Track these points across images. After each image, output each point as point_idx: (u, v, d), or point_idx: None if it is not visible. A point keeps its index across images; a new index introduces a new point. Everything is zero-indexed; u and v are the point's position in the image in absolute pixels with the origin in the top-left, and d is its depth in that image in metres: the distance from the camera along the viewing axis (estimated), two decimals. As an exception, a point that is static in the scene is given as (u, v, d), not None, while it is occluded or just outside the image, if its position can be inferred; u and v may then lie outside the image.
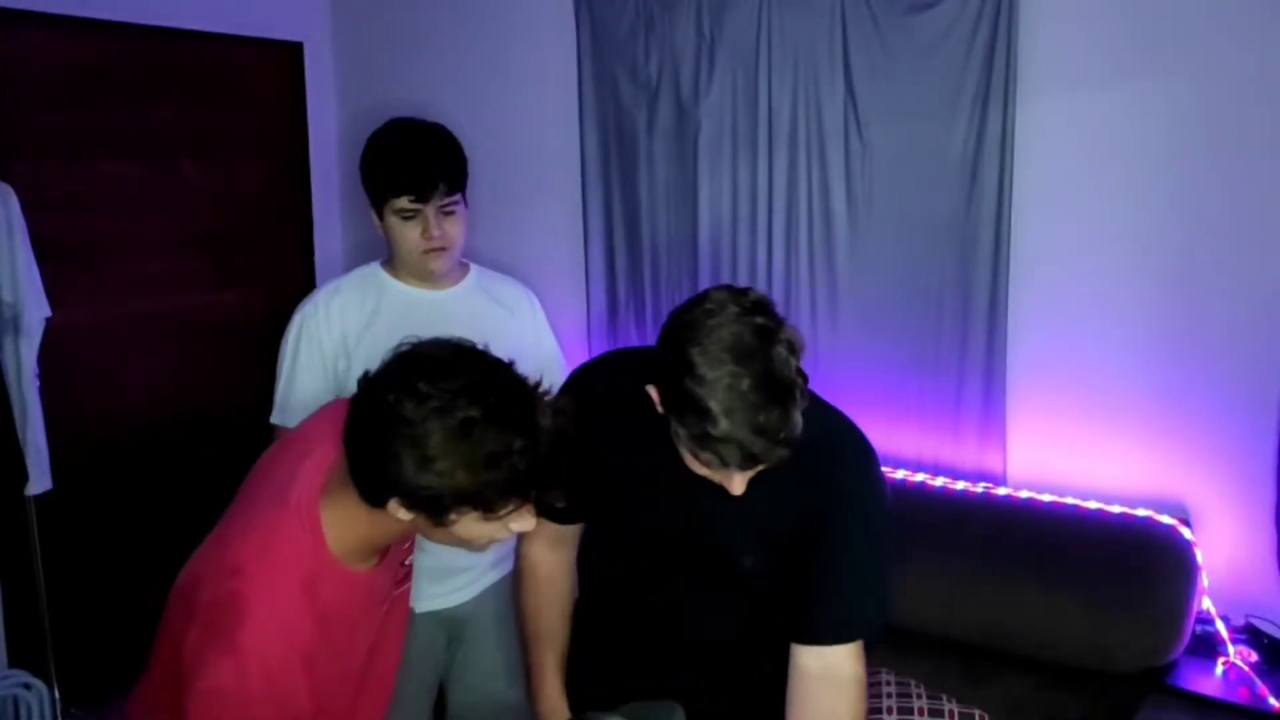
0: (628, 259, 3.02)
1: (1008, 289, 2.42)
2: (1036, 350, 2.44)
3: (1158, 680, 2.04)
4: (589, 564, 1.67)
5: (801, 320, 2.70)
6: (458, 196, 1.98)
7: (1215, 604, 2.17)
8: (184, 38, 3.28)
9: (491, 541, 1.30)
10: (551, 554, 1.65)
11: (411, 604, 1.65)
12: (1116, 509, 2.25)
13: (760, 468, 1.23)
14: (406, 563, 1.50)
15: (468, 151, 3.53)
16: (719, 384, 1.17)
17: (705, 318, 1.21)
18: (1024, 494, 2.36)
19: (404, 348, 1.26)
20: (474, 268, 2.16)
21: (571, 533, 1.64)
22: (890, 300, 2.58)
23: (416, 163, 1.92)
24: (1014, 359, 2.45)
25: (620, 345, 3.06)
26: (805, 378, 1.23)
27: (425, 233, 1.94)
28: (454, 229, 1.98)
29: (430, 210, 1.93)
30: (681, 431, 1.22)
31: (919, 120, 2.47)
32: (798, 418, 1.20)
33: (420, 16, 3.46)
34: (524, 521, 1.27)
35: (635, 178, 2.94)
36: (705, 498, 1.34)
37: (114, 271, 3.23)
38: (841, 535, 1.38)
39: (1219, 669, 2.08)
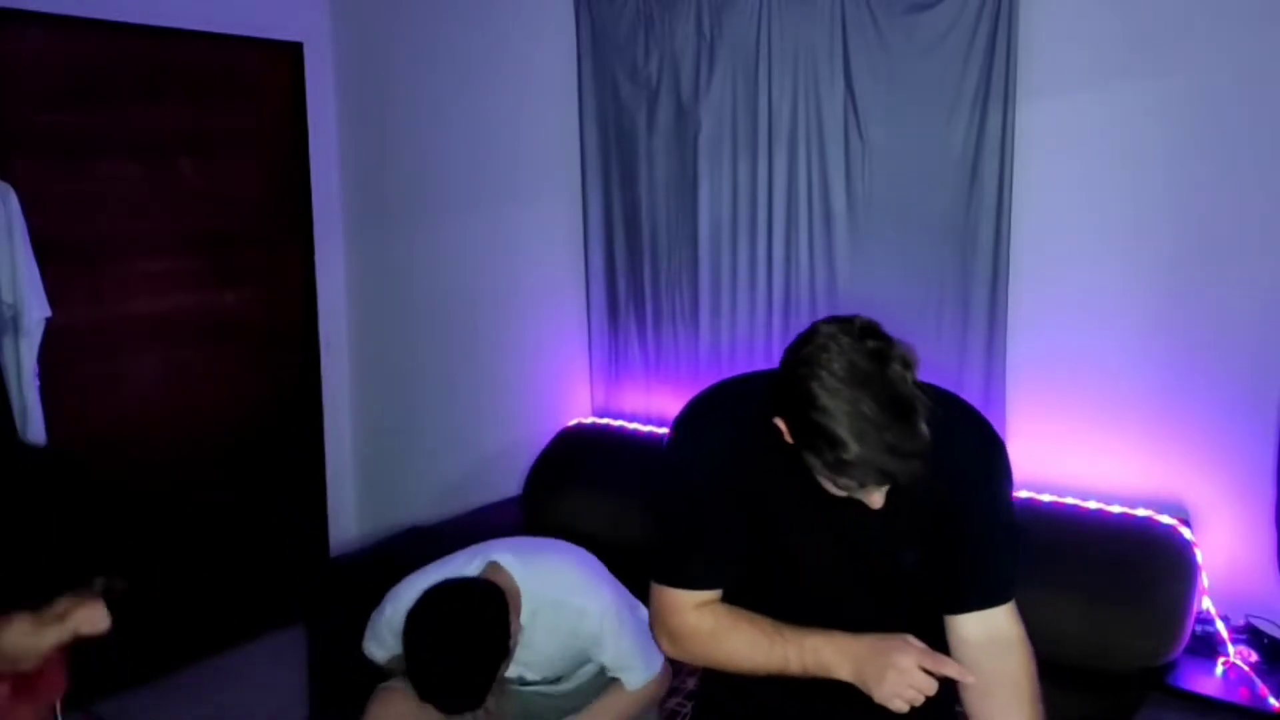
0: (627, 258, 3.02)
1: (1008, 289, 2.42)
2: (1036, 350, 2.44)
3: (1157, 680, 2.04)
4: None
5: (801, 319, 2.70)
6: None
7: (1215, 604, 2.17)
8: (184, 38, 3.29)
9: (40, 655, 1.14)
10: (703, 611, 1.50)
11: None
12: (1116, 509, 2.25)
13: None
14: None
15: (468, 153, 3.55)
16: (842, 411, 1.22)
17: (820, 352, 1.26)
18: (1024, 494, 2.35)
19: None
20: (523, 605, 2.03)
21: (716, 594, 1.52)
22: (890, 299, 2.57)
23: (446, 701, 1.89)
24: (1014, 359, 2.45)
25: (620, 344, 3.06)
26: (923, 388, 1.28)
27: None
28: None
29: None
30: (816, 461, 1.27)
31: (919, 120, 2.47)
32: (924, 430, 1.25)
33: (420, 16, 3.46)
34: (92, 618, 1.13)
35: (635, 177, 2.94)
36: (849, 510, 1.37)
37: (114, 271, 3.23)
38: (982, 505, 1.44)
39: (1219, 669, 2.08)
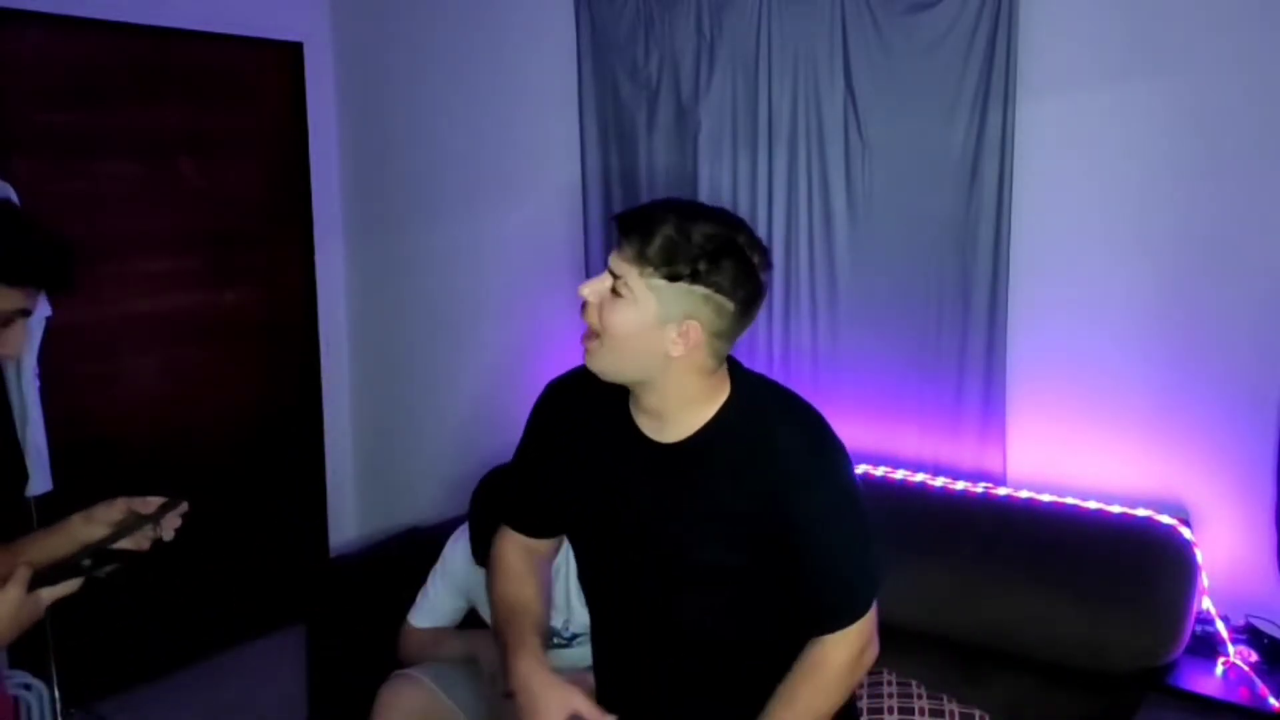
0: (628, 259, 3.01)
1: (1008, 289, 2.42)
2: (1036, 350, 2.44)
3: (1157, 680, 2.03)
4: (585, 583, 1.65)
5: (801, 320, 2.69)
6: None
7: (1215, 604, 2.17)
8: (184, 38, 3.29)
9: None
10: (522, 554, 1.60)
11: None
12: (1116, 509, 2.25)
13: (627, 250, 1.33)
14: None
15: (468, 152, 3.54)
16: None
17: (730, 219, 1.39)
18: (1024, 494, 2.36)
19: None
20: None
21: (540, 546, 1.61)
22: (890, 299, 2.57)
23: None
24: (1014, 359, 2.45)
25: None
26: (762, 383, 1.35)
27: None
28: None
29: None
30: None
31: (919, 119, 2.47)
32: (659, 231, 1.31)
33: (420, 16, 3.45)
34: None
35: (635, 177, 2.94)
36: (654, 491, 1.40)
37: (114, 271, 3.23)
38: (812, 516, 1.36)
39: (1219, 669, 2.08)
